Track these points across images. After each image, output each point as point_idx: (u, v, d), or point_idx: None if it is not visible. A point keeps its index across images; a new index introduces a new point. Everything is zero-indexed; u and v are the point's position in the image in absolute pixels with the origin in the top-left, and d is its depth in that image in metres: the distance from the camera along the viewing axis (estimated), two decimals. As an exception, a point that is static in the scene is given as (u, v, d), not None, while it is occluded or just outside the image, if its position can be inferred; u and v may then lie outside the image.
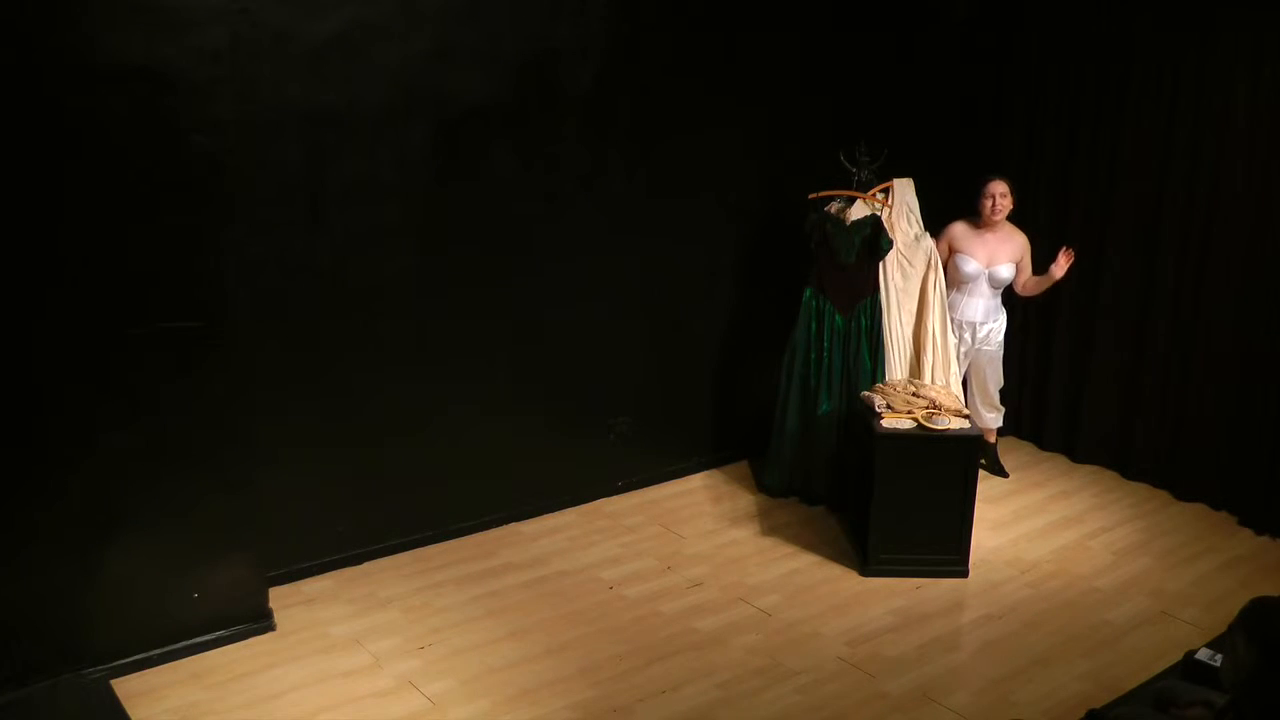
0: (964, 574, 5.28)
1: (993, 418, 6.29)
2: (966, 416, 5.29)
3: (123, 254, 4.06)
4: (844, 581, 5.26)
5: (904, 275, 5.87)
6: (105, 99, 3.90)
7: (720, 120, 5.91)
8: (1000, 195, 5.84)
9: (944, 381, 5.85)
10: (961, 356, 6.08)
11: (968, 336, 6.05)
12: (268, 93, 4.51)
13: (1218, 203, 5.84)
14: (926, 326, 5.90)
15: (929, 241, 5.90)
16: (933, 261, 5.88)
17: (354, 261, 4.91)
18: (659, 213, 5.83)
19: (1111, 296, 6.36)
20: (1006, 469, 6.44)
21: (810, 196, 5.82)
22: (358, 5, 4.65)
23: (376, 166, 4.88)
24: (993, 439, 6.44)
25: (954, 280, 5.99)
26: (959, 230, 6.00)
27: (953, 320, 5.99)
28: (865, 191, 5.80)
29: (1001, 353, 6.16)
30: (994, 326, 6.05)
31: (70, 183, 3.92)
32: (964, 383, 6.21)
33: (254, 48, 4.42)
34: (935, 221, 6.00)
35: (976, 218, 5.95)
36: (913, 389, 5.50)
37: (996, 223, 5.90)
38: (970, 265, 5.92)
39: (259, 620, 4.65)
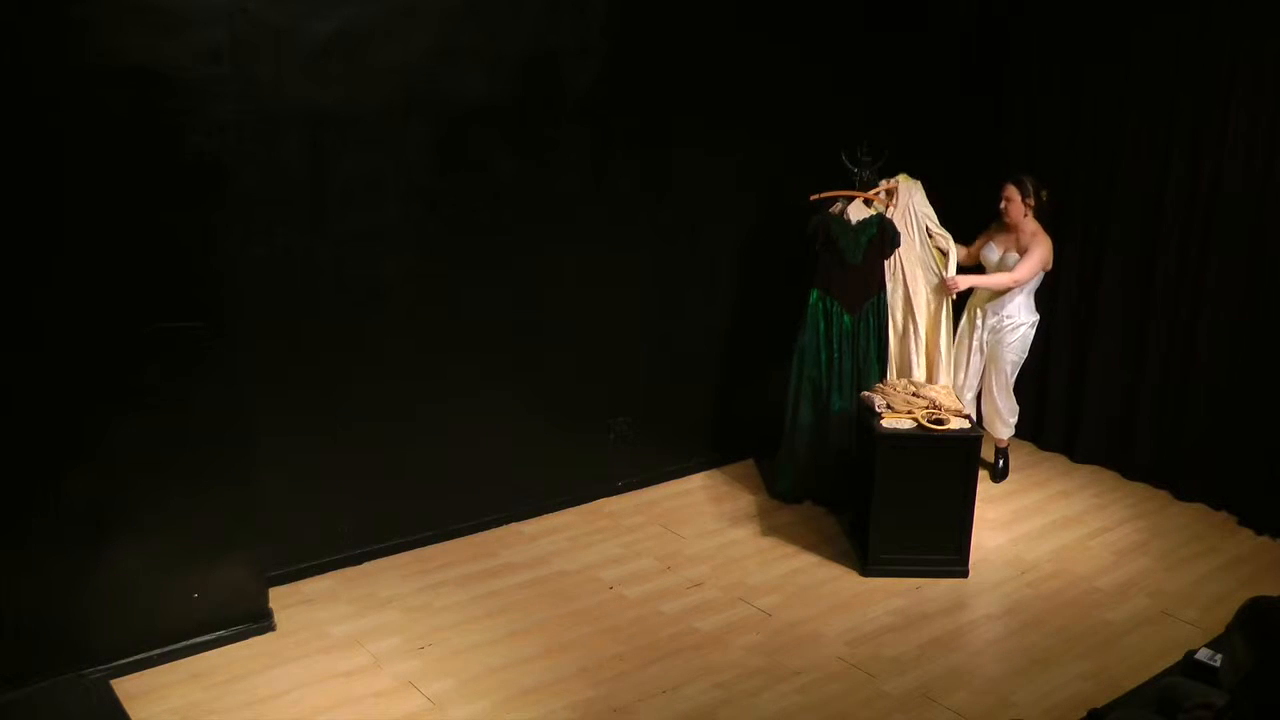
0: (964, 574, 5.28)
1: (997, 426, 6.28)
2: (967, 416, 5.30)
3: (123, 254, 4.06)
4: (844, 581, 5.26)
5: (894, 279, 5.86)
6: (105, 99, 3.91)
7: (721, 120, 5.91)
8: (1005, 198, 5.92)
9: (944, 382, 5.86)
10: (974, 346, 6.10)
11: (979, 324, 6.09)
12: (268, 93, 4.51)
13: (1218, 203, 5.84)
14: (924, 330, 5.90)
15: (930, 246, 5.90)
16: (931, 265, 5.88)
17: (354, 261, 4.91)
18: (659, 213, 5.83)
19: (1112, 296, 6.36)
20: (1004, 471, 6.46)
21: (812, 198, 5.82)
22: (358, 5, 4.65)
23: (376, 166, 4.88)
24: (1004, 444, 6.43)
25: (986, 269, 6.08)
26: (995, 226, 6.08)
27: (980, 309, 6.06)
28: (866, 191, 5.79)
29: (1011, 357, 6.11)
30: (1009, 316, 6.02)
31: (70, 183, 3.92)
32: (978, 397, 6.29)
33: (254, 48, 4.42)
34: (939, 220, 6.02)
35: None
36: (913, 389, 5.50)
37: (1010, 223, 5.95)
38: (989, 252, 6.04)
39: (259, 620, 4.65)
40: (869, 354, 5.76)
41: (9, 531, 4.02)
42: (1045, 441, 6.82)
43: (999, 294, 6.00)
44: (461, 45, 4.97)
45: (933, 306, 5.90)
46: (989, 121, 6.82)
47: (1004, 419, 6.26)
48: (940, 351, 5.93)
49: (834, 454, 5.85)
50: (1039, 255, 5.90)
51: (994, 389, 6.19)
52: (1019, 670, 4.58)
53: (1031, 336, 6.11)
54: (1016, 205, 5.90)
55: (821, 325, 5.80)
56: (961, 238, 6.11)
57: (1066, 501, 6.17)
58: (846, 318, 5.78)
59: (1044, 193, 5.95)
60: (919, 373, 5.86)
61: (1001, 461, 6.40)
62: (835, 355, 5.77)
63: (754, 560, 5.43)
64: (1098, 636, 4.84)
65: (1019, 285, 5.93)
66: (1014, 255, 5.93)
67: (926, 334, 5.93)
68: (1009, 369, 6.15)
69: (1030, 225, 5.94)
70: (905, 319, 5.90)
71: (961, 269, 6.01)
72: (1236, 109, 5.71)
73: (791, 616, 4.94)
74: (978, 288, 6.01)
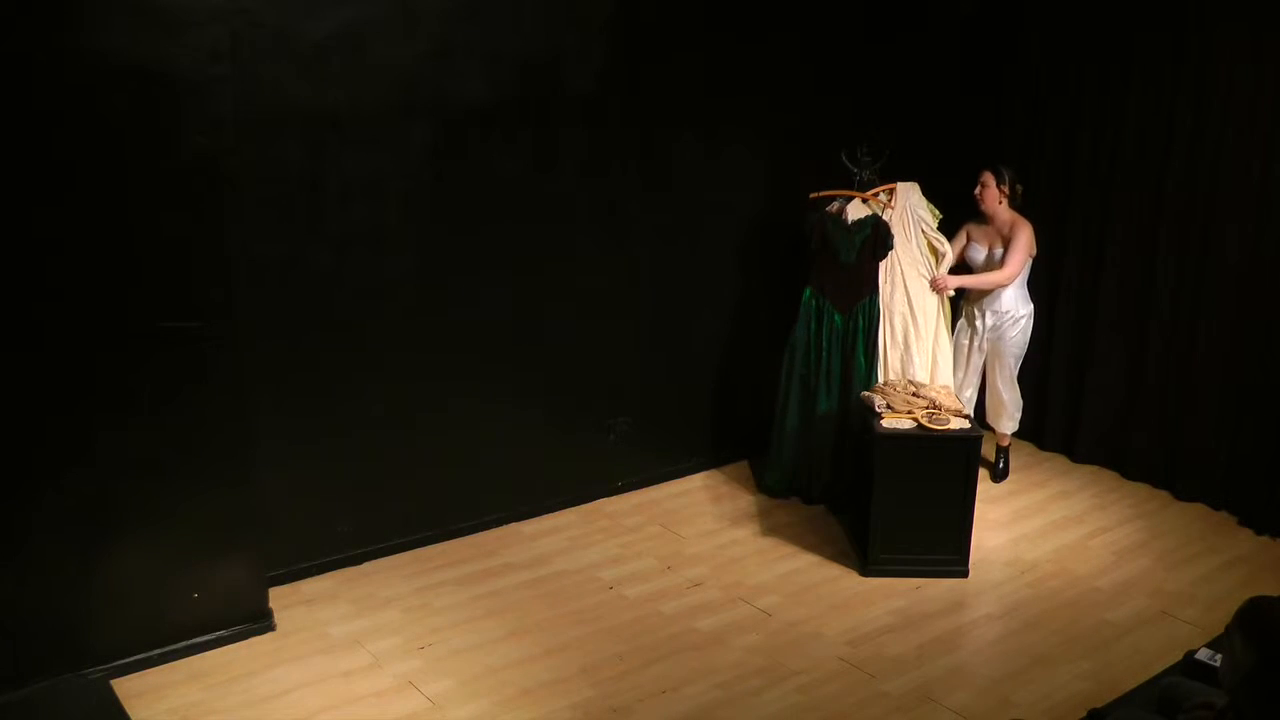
0: (964, 574, 5.28)
1: (1003, 420, 6.29)
2: (967, 416, 5.30)
3: (123, 254, 4.06)
4: (844, 581, 5.26)
5: (892, 281, 5.86)
6: (105, 98, 3.91)
7: (721, 120, 5.91)
8: (981, 184, 5.95)
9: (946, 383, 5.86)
10: (974, 346, 6.10)
11: (979, 324, 6.10)
12: (268, 93, 4.51)
13: (1218, 202, 5.84)
14: (926, 331, 5.90)
15: (931, 245, 5.90)
16: (930, 265, 5.88)
17: (354, 261, 4.91)
18: (659, 212, 5.83)
19: (1111, 296, 6.36)
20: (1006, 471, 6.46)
21: (811, 196, 5.83)
22: (358, 5, 4.65)
23: (376, 166, 4.88)
24: (1005, 443, 6.44)
25: (974, 269, 6.10)
26: (972, 223, 6.09)
27: (977, 308, 6.08)
28: (866, 192, 5.80)
29: (1015, 351, 6.13)
30: (1008, 312, 6.03)
31: (70, 182, 3.92)
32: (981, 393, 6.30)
33: (254, 48, 4.43)
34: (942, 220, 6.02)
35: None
36: (913, 389, 5.50)
37: (986, 210, 5.98)
38: (974, 252, 6.05)
39: (259, 620, 4.65)
40: (856, 354, 5.76)
41: (9, 531, 4.02)
42: (1045, 441, 6.82)
43: (991, 291, 6.01)
44: (461, 45, 4.97)
45: (933, 307, 5.90)
46: (989, 121, 6.83)
47: (1009, 412, 6.27)
48: (942, 352, 5.93)
49: (821, 454, 5.87)
50: (1024, 244, 5.92)
51: (999, 383, 6.19)
52: (1019, 670, 4.58)
53: (1031, 327, 6.13)
54: (991, 191, 5.92)
55: (812, 324, 5.81)
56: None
57: (1066, 501, 6.17)
58: (838, 317, 5.78)
59: (1019, 186, 5.98)
60: (922, 374, 5.85)
61: (1002, 462, 6.40)
62: (824, 354, 5.79)
63: (754, 560, 5.43)
64: (1098, 636, 4.84)
65: (1011, 281, 5.94)
66: (999, 249, 5.96)
67: (928, 335, 5.92)
68: (1013, 362, 6.17)
69: (1005, 214, 5.97)
70: (906, 321, 5.88)
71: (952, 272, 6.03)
72: (1236, 108, 5.71)
73: (791, 616, 4.94)
74: (970, 288, 6.03)
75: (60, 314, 3.99)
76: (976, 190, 5.96)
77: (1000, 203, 5.93)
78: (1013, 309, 6.03)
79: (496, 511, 5.63)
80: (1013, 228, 5.93)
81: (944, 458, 5.16)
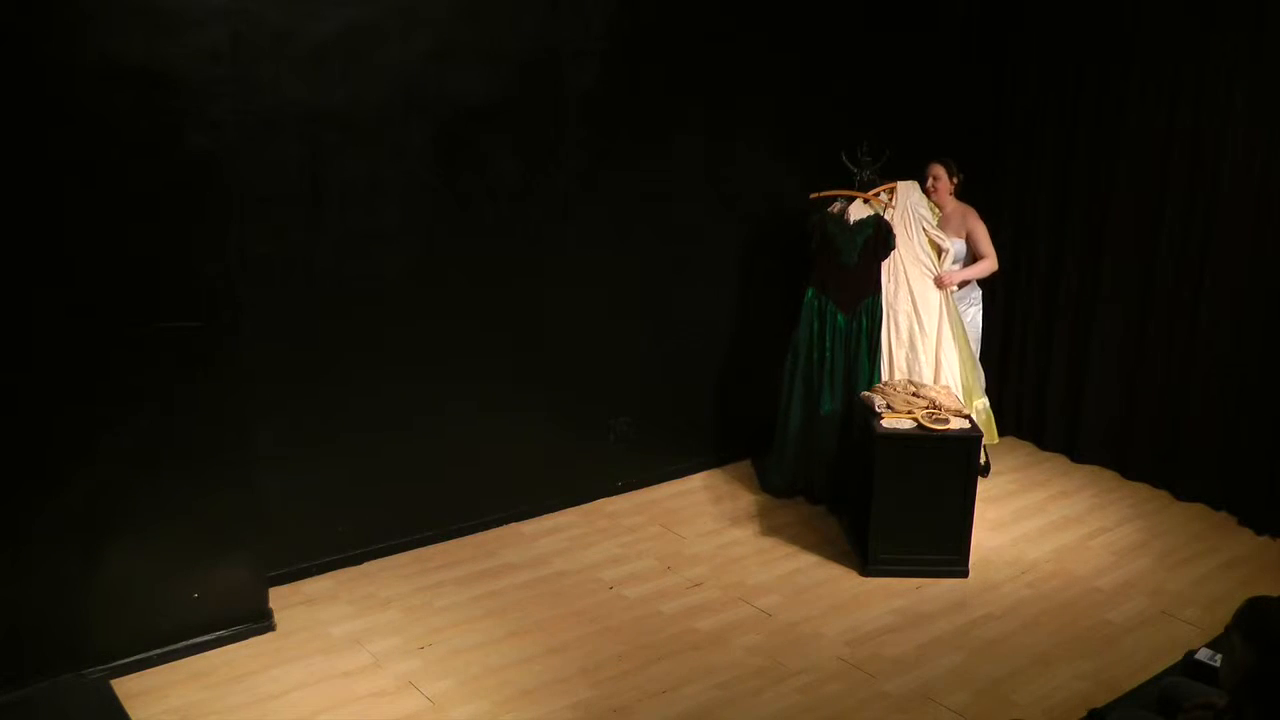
0: (964, 574, 5.28)
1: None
2: (966, 416, 5.30)
3: (123, 254, 4.06)
4: (844, 581, 5.26)
5: (895, 280, 5.87)
6: (105, 99, 3.91)
7: (720, 120, 5.91)
8: (932, 176, 6.06)
9: (945, 382, 5.86)
10: None
11: None
12: (268, 93, 4.51)
13: (1218, 203, 5.84)
14: (932, 329, 5.90)
15: (933, 242, 5.90)
16: (933, 262, 5.88)
17: (354, 261, 4.91)
18: (659, 212, 5.83)
19: (1111, 296, 6.36)
20: (993, 467, 6.44)
21: (811, 196, 5.83)
22: (358, 5, 4.66)
23: (376, 166, 4.88)
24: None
25: None
26: None
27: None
28: (867, 192, 5.80)
29: (974, 333, 6.21)
30: (961, 299, 6.11)
31: (71, 182, 3.92)
32: None
33: (254, 48, 4.43)
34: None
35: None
36: (913, 389, 5.50)
37: (937, 204, 6.06)
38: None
39: (259, 620, 4.65)
40: (860, 354, 5.76)
41: (9, 531, 4.02)
42: (1045, 441, 6.82)
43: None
44: (461, 45, 4.97)
45: (936, 305, 5.91)
46: (989, 122, 6.82)
47: (979, 393, 6.29)
48: (945, 351, 5.92)
49: (825, 454, 5.87)
50: (985, 228, 6.04)
51: None
52: (1019, 670, 4.58)
53: (981, 308, 6.26)
54: (944, 183, 6.06)
55: (815, 324, 5.82)
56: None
57: (1066, 501, 6.17)
58: (840, 317, 5.78)
59: (960, 175, 6.10)
60: (928, 372, 5.86)
61: (984, 456, 6.40)
62: (827, 354, 5.79)
63: (754, 560, 5.43)
64: (1098, 636, 4.84)
65: (996, 264, 6.05)
66: (958, 241, 6.01)
67: (932, 333, 5.91)
68: (974, 345, 6.24)
69: (953, 204, 6.09)
70: (911, 319, 5.89)
71: None
72: (1236, 108, 5.70)
73: (791, 616, 4.94)
74: (970, 279, 6.08)
75: (60, 314, 3.98)
76: (928, 184, 6.04)
77: (950, 194, 6.06)
78: (964, 295, 6.15)
79: (496, 511, 5.63)
80: (965, 216, 6.05)
81: (944, 458, 5.16)
